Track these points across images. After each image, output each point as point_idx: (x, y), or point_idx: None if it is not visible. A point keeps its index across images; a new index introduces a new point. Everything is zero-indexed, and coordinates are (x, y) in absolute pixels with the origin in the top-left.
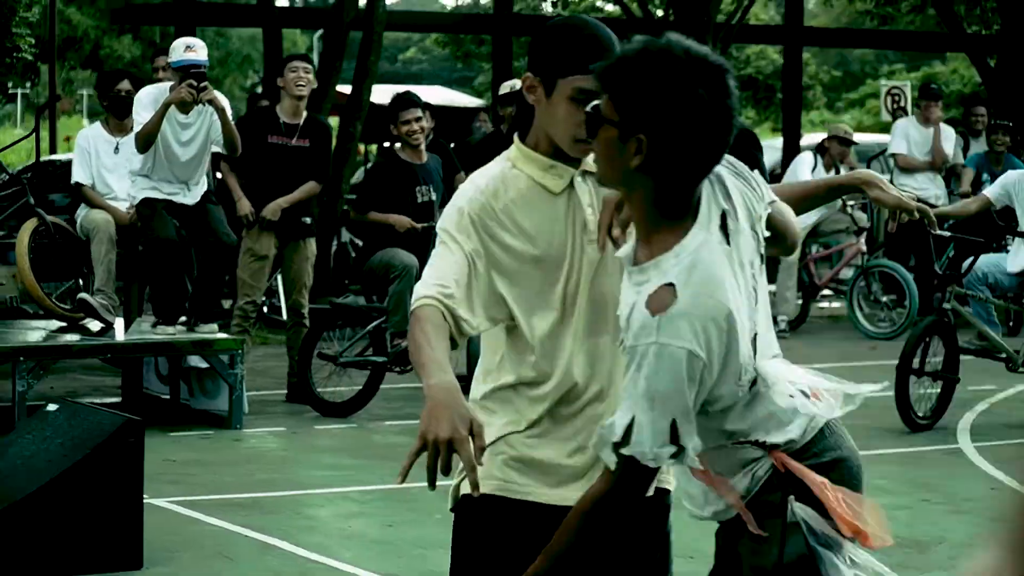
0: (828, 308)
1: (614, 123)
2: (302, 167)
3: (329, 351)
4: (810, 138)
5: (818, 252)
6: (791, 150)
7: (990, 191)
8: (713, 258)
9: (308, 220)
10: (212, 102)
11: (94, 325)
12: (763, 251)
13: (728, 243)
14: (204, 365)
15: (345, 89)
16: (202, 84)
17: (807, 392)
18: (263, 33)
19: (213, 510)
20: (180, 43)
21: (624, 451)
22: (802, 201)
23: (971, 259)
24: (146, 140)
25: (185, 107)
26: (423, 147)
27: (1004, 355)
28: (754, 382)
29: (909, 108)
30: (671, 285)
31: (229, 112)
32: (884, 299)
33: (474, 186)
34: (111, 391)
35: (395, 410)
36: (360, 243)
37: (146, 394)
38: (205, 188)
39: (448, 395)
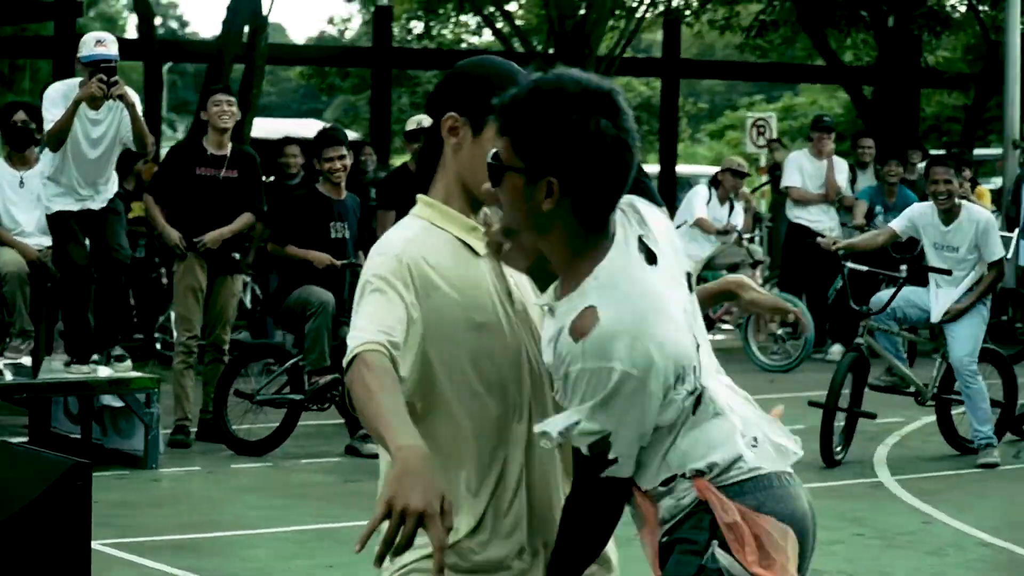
0: (714, 341)
1: (520, 170)
2: (232, 198)
3: (245, 388)
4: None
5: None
6: (668, 181)
7: (896, 223)
8: (635, 275)
9: (237, 256)
10: (123, 97)
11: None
12: (692, 275)
13: (652, 263)
14: (117, 404)
15: None
16: (112, 79)
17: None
18: (144, 67)
19: (151, 553)
20: (90, 37)
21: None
22: None
23: (893, 293)
24: (58, 138)
25: (95, 103)
26: (343, 184)
27: (913, 389)
28: (699, 401)
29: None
30: (592, 307)
31: (139, 108)
32: (779, 332)
33: (402, 238)
34: (16, 430)
35: (307, 448)
36: (247, 279)
37: (55, 433)
38: (114, 190)
39: (421, 463)
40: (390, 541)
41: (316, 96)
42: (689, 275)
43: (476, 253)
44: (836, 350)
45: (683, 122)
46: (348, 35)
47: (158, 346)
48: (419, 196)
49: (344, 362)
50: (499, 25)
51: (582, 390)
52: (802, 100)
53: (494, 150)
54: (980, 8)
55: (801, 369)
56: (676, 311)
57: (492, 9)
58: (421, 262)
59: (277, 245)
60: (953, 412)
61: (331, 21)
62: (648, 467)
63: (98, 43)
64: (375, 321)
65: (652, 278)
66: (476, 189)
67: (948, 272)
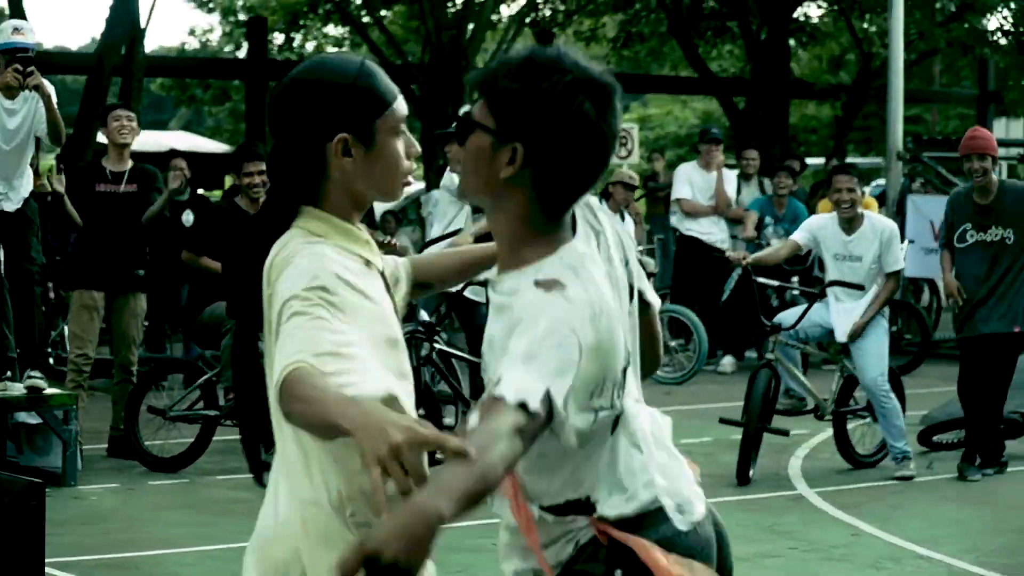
0: None
1: (489, 130)
2: (132, 212)
3: (155, 404)
4: None
5: None
6: None
7: (798, 236)
8: (597, 269)
9: (141, 272)
10: (39, 88)
11: None
12: (636, 287)
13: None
14: (33, 421)
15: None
16: (29, 69)
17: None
18: None
19: (91, 572)
20: (7, 25)
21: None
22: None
23: (803, 311)
24: None
25: (11, 92)
26: (261, 200)
27: (812, 405)
28: (615, 423)
29: (635, 150)
30: (557, 279)
31: (55, 99)
32: (673, 344)
33: (311, 254)
34: None
35: (221, 464)
36: None
37: None
38: (29, 188)
39: (374, 410)
40: (407, 488)
41: (160, 107)
42: (632, 288)
43: (373, 267)
44: (727, 362)
45: None
46: (209, 47)
47: (51, 361)
48: (307, 208)
49: (273, 397)
50: (373, 36)
51: (533, 329)
52: (655, 111)
53: (467, 107)
54: (853, 20)
55: (695, 381)
56: (618, 318)
57: (368, 19)
58: (338, 278)
59: (193, 255)
60: (849, 426)
61: (192, 32)
62: (554, 478)
63: (15, 31)
64: (297, 344)
65: (608, 282)
66: (381, 193)
67: (861, 287)
